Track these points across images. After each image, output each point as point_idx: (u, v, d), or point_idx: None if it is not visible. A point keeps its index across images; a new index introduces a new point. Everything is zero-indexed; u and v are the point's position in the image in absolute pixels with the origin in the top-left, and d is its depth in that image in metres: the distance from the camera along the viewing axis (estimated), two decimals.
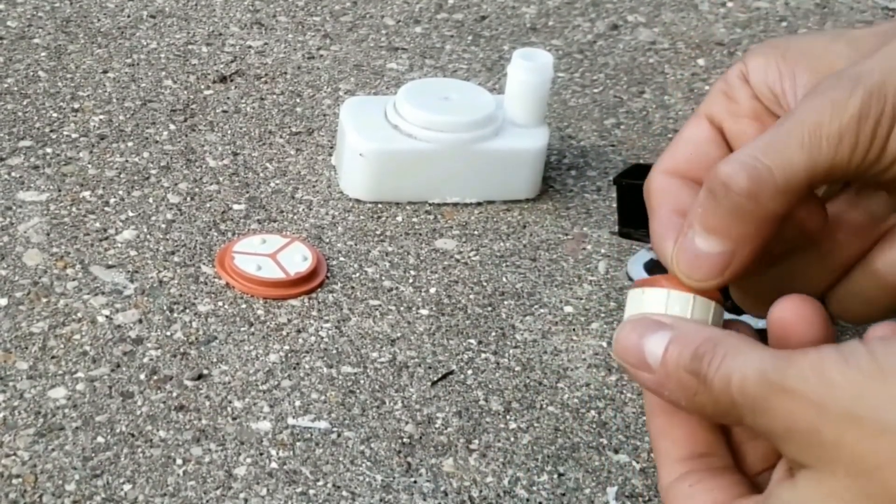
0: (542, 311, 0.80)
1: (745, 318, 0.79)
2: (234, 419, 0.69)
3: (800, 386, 0.36)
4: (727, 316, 0.71)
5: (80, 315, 0.75)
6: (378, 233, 0.86)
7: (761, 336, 0.74)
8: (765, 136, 0.41)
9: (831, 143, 0.40)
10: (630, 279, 0.80)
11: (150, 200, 0.87)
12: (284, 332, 0.76)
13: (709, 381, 0.38)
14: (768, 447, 0.42)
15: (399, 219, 0.88)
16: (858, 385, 0.35)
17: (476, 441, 0.69)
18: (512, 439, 0.70)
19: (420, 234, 0.86)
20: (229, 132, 0.95)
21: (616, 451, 0.70)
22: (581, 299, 0.82)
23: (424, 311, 0.79)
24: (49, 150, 0.91)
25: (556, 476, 0.68)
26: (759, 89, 0.46)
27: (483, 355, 0.76)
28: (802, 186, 0.40)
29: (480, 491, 0.66)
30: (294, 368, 0.73)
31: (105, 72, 1.02)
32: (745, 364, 0.38)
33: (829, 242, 0.44)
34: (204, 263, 0.81)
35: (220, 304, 0.78)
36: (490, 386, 0.74)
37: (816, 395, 0.36)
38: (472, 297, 0.81)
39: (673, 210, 0.45)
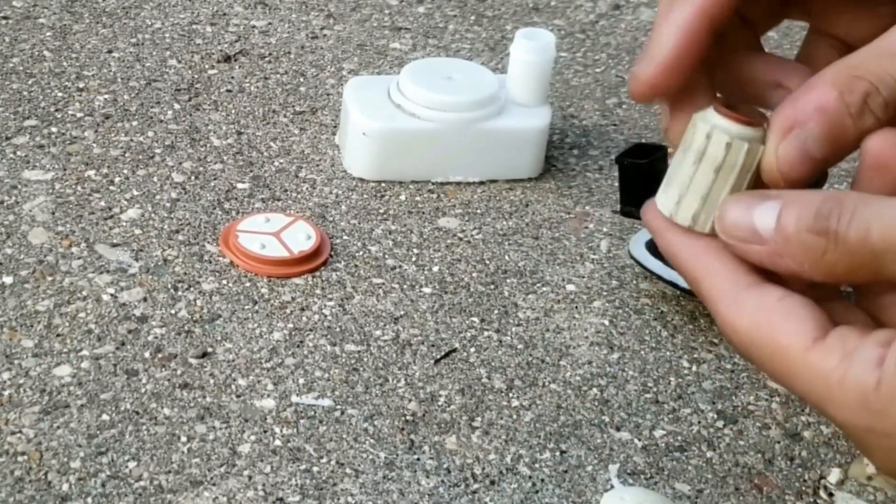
0: (544, 289, 0.81)
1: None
2: (238, 397, 0.70)
3: None
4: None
5: (85, 293, 0.76)
6: (381, 211, 0.86)
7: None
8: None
9: None
10: (632, 258, 0.80)
11: (155, 179, 0.87)
12: (288, 311, 0.76)
13: (841, 236, 0.37)
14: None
15: (402, 197, 0.88)
16: None
17: (479, 418, 0.70)
18: (514, 417, 0.70)
19: (423, 213, 0.87)
20: (233, 111, 0.96)
21: (618, 429, 0.70)
22: (583, 277, 0.82)
23: (427, 290, 0.79)
24: (54, 129, 0.91)
25: (558, 453, 0.68)
26: None
27: (486, 333, 0.76)
28: None
29: (483, 468, 0.67)
30: (298, 346, 0.74)
31: (110, 51, 1.02)
32: (884, 211, 0.36)
33: None
34: (208, 242, 0.81)
35: (225, 282, 0.78)
36: (492, 364, 0.74)
37: None
38: (474, 275, 0.81)
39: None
